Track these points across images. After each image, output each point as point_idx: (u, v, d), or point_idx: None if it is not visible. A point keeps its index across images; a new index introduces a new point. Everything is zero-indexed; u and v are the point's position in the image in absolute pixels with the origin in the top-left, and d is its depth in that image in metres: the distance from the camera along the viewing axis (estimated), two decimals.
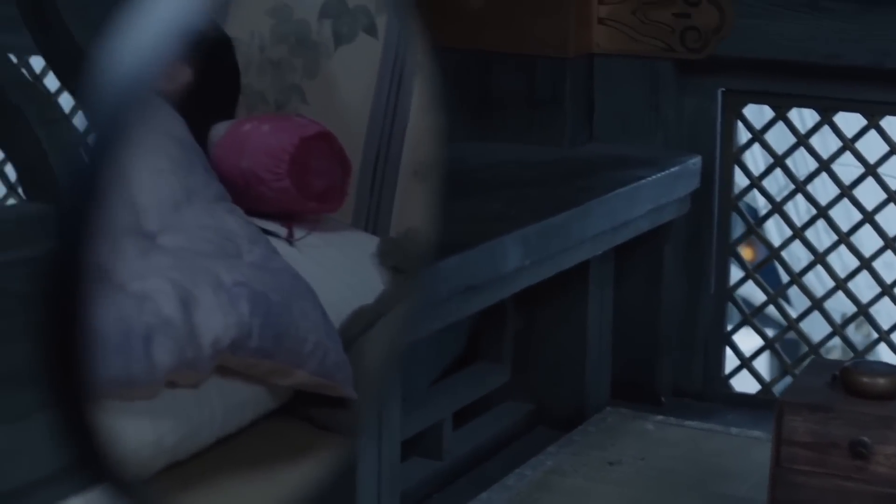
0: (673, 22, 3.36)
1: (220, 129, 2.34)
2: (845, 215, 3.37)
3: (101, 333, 1.95)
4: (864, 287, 3.43)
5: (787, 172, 3.41)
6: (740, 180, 3.49)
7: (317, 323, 2.09)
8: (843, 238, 3.36)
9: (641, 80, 3.42)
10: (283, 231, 2.32)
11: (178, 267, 1.98)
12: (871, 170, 3.31)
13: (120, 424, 1.84)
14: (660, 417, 3.29)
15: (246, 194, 2.27)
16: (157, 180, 2.11)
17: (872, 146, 3.31)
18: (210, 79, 2.48)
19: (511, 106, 3.43)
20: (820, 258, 3.42)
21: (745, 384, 3.52)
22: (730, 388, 3.49)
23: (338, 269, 2.23)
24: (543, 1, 3.36)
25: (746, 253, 3.95)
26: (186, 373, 1.90)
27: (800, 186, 3.39)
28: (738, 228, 3.50)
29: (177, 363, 1.87)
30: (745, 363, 3.49)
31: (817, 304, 3.41)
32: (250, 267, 2.07)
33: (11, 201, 3.56)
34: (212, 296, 1.94)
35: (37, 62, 3.46)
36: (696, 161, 3.34)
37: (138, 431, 1.82)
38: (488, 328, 3.22)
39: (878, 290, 3.35)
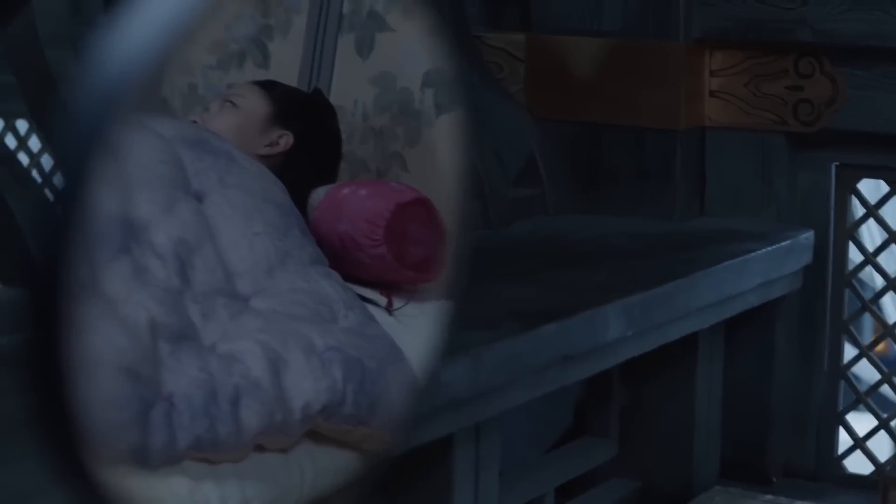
0: (785, 95, 3.32)
1: (319, 193, 2.35)
2: None
3: (187, 395, 1.95)
4: None
5: None
6: (854, 256, 3.42)
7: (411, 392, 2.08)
8: None
9: (753, 153, 3.38)
10: (382, 300, 2.31)
11: (269, 330, 1.98)
12: None
13: (207, 487, 1.83)
14: (770, 497, 3.22)
15: (343, 259, 2.27)
16: (251, 244, 2.11)
17: None
18: (313, 145, 2.49)
19: (621, 179, 3.41)
20: None
21: (858, 465, 3.43)
22: (843, 468, 3.41)
23: (432, 340, 2.22)
24: (654, 73, 3.34)
25: (880, 348, 3.84)
26: (275, 436, 1.89)
27: None
28: (852, 305, 3.43)
29: (265, 426, 1.86)
30: (859, 443, 3.41)
31: None
32: (345, 332, 2.06)
33: None
34: (303, 360, 1.94)
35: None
36: (808, 236, 3.29)
37: (225, 494, 1.81)
38: (594, 401, 3.18)
39: None
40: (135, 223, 1.96)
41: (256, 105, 2.43)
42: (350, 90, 2.62)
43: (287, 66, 2.70)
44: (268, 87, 2.49)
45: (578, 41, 3.44)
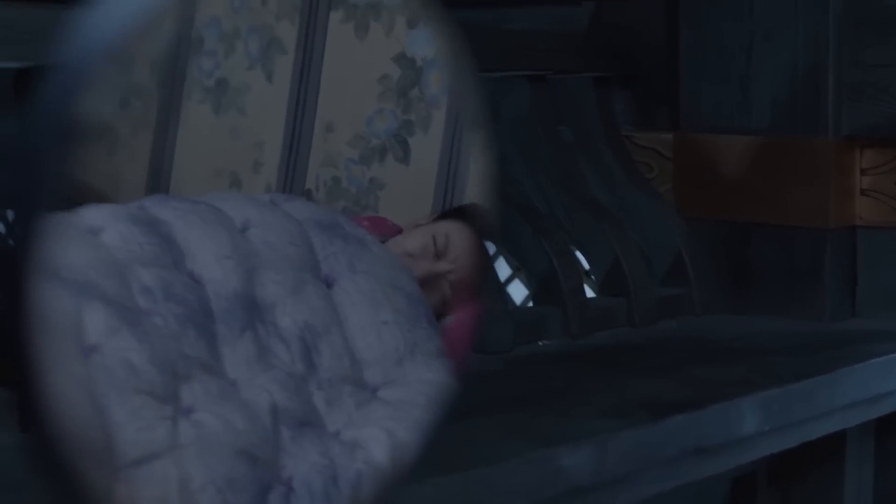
0: None
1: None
2: None
3: (307, 479, 1.96)
4: None
5: None
6: None
7: None
8: None
9: None
10: None
11: (395, 417, 1.98)
12: None
13: None
14: None
15: None
16: (380, 333, 2.13)
17: None
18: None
19: (770, 278, 3.37)
20: None
21: None
22: None
23: None
24: (802, 171, 3.30)
25: None
26: None
27: None
28: None
29: None
30: None
31: None
32: None
33: None
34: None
35: None
36: None
37: None
38: (740, 502, 3.12)
39: None
40: (260, 303, 1.98)
41: None
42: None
43: (427, 162, 2.74)
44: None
45: (726, 139, 3.42)
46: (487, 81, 3.23)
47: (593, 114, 3.51)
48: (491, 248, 3.27)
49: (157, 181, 2.85)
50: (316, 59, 2.69)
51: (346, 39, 2.71)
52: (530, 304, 3.22)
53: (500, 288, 2.79)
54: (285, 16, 2.68)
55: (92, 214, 2.00)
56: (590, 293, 3.25)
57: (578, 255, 3.29)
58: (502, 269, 4.38)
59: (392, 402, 2.04)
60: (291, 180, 2.64)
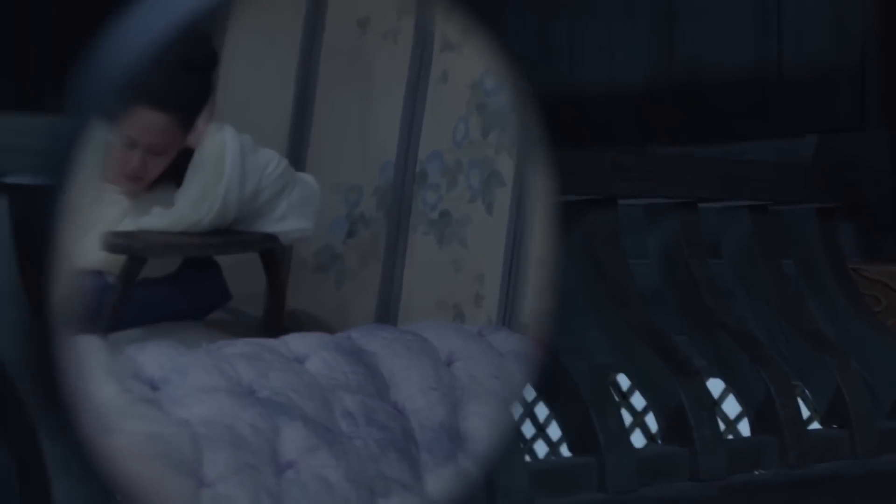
0: None
1: None
2: None
3: None
4: None
5: None
6: None
7: None
8: None
9: None
10: None
11: None
12: None
13: None
14: None
15: None
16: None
17: None
18: None
19: None
20: None
21: None
22: None
23: None
24: None
25: None
26: None
27: None
28: None
29: None
30: None
31: None
32: None
33: None
34: None
35: None
36: None
37: None
38: None
39: None
40: (463, 435, 2.06)
41: None
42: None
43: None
44: None
45: None
46: (710, 212, 3.28)
47: (817, 245, 3.51)
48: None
49: (386, 312, 2.97)
50: (530, 191, 2.77)
51: None
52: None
53: (712, 414, 2.80)
54: (504, 149, 2.78)
55: (298, 343, 2.13)
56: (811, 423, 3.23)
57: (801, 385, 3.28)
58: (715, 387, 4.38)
59: None
60: (510, 314, 2.72)
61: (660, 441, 2.93)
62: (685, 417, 2.73)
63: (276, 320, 2.74)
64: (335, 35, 3.18)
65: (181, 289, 2.74)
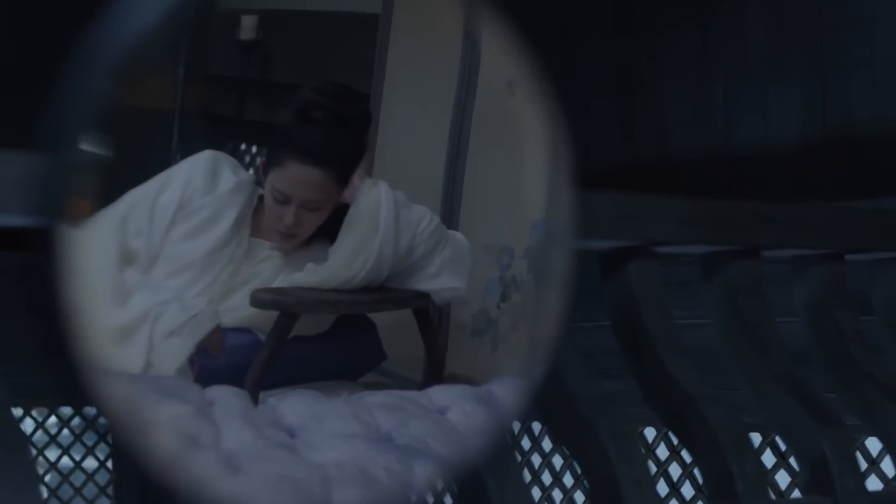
0: None
1: None
2: None
3: None
4: None
5: None
6: None
7: None
8: None
9: None
10: None
11: None
12: None
13: None
14: None
15: None
16: None
17: None
18: None
19: None
20: None
21: None
22: None
23: None
24: None
25: None
26: None
27: None
28: None
29: None
30: None
31: None
32: None
33: None
34: None
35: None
36: None
37: None
38: None
39: None
40: None
41: None
42: None
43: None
44: None
45: None
46: (858, 265, 3.27)
47: None
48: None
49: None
50: None
51: None
52: None
53: (854, 463, 2.80)
54: None
55: (440, 394, 2.20)
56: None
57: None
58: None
59: None
60: None
61: (800, 492, 2.92)
62: (827, 467, 2.73)
63: (434, 381, 2.71)
64: (486, 95, 3.23)
65: (334, 347, 2.72)
